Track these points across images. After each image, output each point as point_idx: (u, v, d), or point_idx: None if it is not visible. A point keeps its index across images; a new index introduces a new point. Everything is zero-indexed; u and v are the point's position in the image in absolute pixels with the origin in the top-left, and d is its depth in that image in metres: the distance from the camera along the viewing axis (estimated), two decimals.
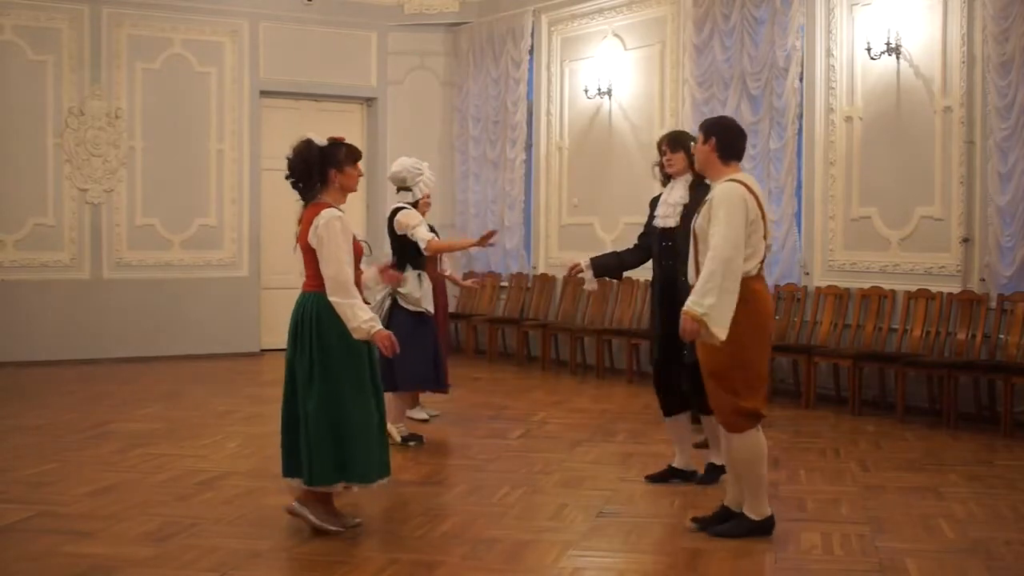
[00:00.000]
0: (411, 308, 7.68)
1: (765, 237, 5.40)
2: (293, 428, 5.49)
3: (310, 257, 5.38)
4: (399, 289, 7.68)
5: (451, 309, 10.15)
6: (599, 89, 12.17)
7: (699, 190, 6.10)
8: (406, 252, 7.73)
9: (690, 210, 6.03)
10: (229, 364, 12.38)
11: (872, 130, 9.62)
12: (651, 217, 6.61)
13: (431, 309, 7.84)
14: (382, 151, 14.05)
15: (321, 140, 5.51)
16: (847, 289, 9.71)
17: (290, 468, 5.54)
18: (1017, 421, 8.23)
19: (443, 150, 14.33)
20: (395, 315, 7.65)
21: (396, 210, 7.81)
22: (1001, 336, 8.53)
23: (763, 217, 5.35)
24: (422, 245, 7.56)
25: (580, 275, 6.68)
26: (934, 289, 9.06)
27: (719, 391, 5.34)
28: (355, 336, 5.32)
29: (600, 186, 12.20)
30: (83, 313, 12.44)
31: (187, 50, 13.04)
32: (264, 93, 13.48)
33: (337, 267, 5.28)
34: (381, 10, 13.98)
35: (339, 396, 5.35)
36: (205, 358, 12.72)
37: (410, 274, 7.73)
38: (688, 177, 6.40)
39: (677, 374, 6.37)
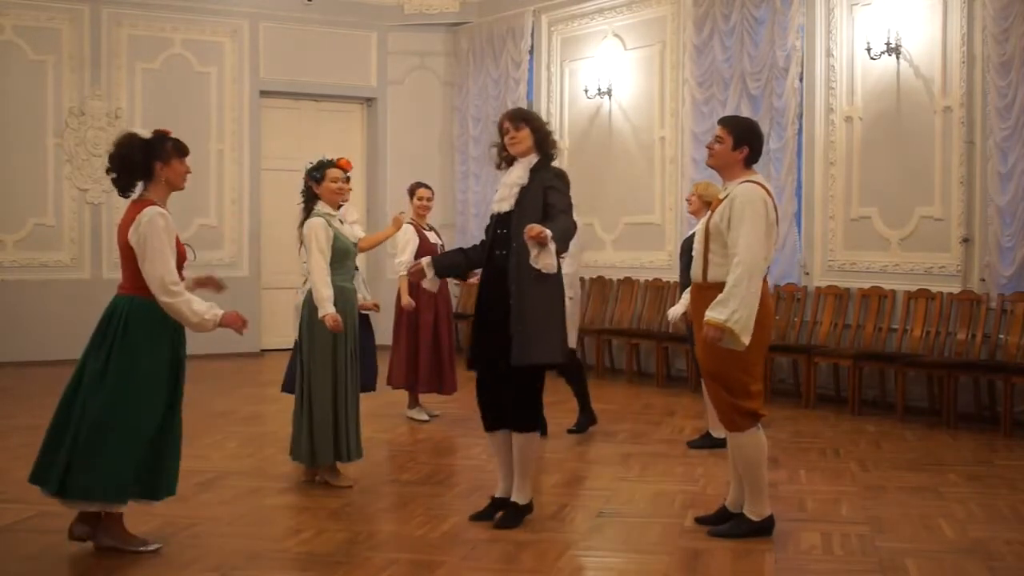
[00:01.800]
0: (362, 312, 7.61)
1: (776, 241, 5.40)
2: (61, 432, 5.03)
3: (128, 257, 5.04)
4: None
5: (452, 310, 10.14)
6: (599, 89, 12.17)
7: (540, 173, 5.53)
8: None
9: (528, 194, 5.48)
10: (229, 364, 12.37)
11: (872, 130, 9.62)
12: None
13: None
14: (382, 151, 14.07)
15: (145, 133, 5.18)
16: (847, 289, 9.71)
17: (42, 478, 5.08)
18: (1017, 421, 8.24)
19: (443, 150, 14.33)
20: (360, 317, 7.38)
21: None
22: (1001, 336, 8.53)
23: (777, 221, 5.34)
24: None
25: (420, 276, 5.90)
26: (934, 289, 9.06)
27: (719, 391, 5.34)
28: (202, 331, 5.00)
29: (600, 186, 12.19)
30: (83, 313, 12.32)
31: (187, 50, 13.04)
32: (264, 93, 13.48)
33: (164, 266, 4.95)
34: (381, 10, 13.98)
35: (127, 404, 4.96)
36: (205, 358, 12.69)
37: (357, 276, 7.66)
38: (532, 158, 5.60)
39: (500, 384, 5.59)
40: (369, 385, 7.87)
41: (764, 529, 5.38)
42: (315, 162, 6.51)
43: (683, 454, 7.43)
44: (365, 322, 7.67)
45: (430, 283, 5.93)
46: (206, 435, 8.12)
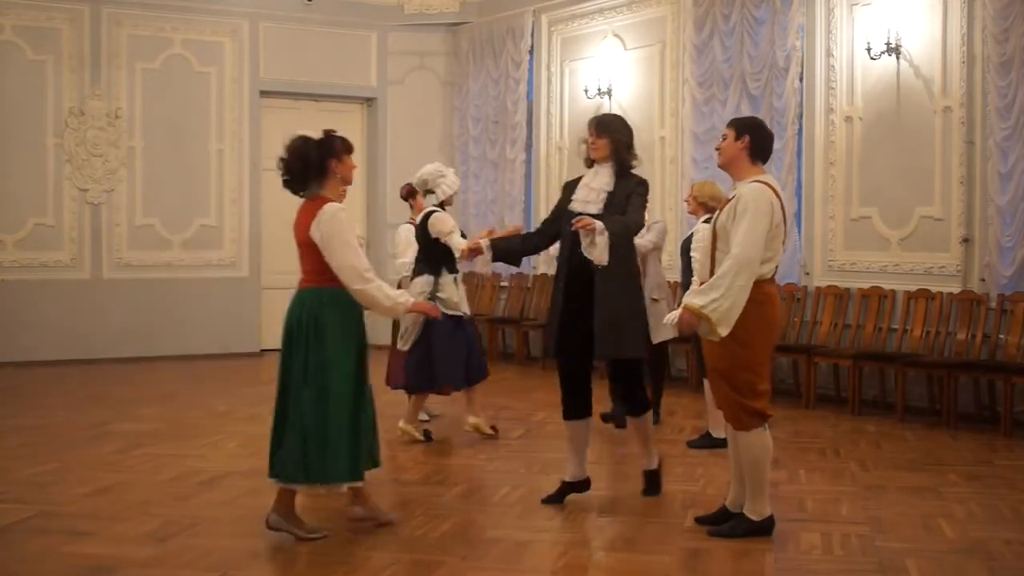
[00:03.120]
0: (449, 312, 7.67)
1: (786, 241, 5.41)
2: (284, 427, 5.32)
3: (310, 252, 5.30)
4: (438, 294, 7.74)
5: None
6: (599, 89, 12.17)
7: (624, 180, 5.87)
8: (438, 255, 7.74)
9: (615, 198, 5.79)
10: (229, 364, 12.38)
11: (872, 130, 9.62)
12: (564, 201, 6.04)
13: (468, 312, 7.98)
14: (382, 151, 14.07)
15: (315, 134, 5.42)
16: (847, 289, 9.71)
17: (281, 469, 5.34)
18: (1017, 421, 8.24)
19: (443, 150, 14.32)
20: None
21: (429, 214, 7.80)
22: (1001, 336, 8.53)
23: (784, 222, 5.35)
24: (456, 253, 7.52)
25: (475, 255, 6.05)
26: (934, 289, 9.06)
27: (725, 389, 5.35)
28: (393, 315, 5.27)
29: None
30: (83, 313, 12.44)
31: (187, 50, 13.04)
32: (264, 93, 13.48)
33: (354, 255, 5.21)
34: (381, 10, 13.98)
35: (332, 395, 5.25)
36: (205, 358, 12.72)
37: (446, 278, 7.80)
38: (614, 164, 5.93)
39: (587, 375, 6.02)
40: (458, 380, 7.92)
41: (764, 529, 5.39)
42: None
43: (683, 454, 7.43)
44: (459, 321, 7.81)
45: (484, 265, 6.20)
46: (206, 435, 8.12)
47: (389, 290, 5.34)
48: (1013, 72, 8.45)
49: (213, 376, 11.47)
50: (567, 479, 6.14)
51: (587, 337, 5.74)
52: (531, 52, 13.10)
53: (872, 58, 9.44)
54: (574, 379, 6.01)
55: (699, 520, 5.63)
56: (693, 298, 5.19)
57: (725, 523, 5.48)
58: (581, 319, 5.76)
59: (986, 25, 8.62)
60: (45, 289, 12.27)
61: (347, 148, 5.42)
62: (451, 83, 14.34)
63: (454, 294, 7.81)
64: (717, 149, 5.57)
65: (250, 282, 13.33)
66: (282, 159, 5.34)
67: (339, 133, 5.48)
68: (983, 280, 8.76)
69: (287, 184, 5.36)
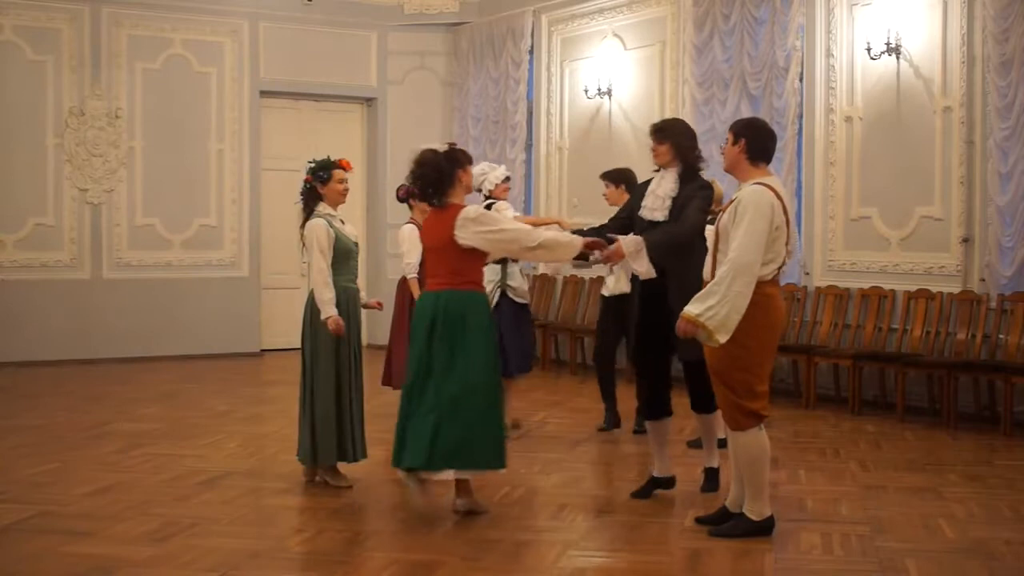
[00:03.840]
0: (518, 300, 8.09)
1: (789, 242, 5.38)
2: (415, 416, 5.62)
3: (448, 256, 5.65)
4: (508, 282, 8.05)
5: None
6: (599, 89, 12.17)
7: (688, 183, 5.99)
8: None
9: (678, 203, 5.93)
10: (229, 364, 12.38)
11: (872, 130, 9.62)
12: (636, 204, 6.19)
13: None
14: (382, 151, 14.06)
15: (440, 147, 5.84)
16: (847, 289, 9.71)
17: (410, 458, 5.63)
18: (1017, 421, 8.24)
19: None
20: (501, 304, 7.99)
21: (487, 206, 7.86)
22: (1001, 336, 8.53)
23: (787, 223, 5.34)
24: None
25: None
26: (934, 289, 9.06)
27: (722, 389, 5.35)
28: (572, 252, 5.70)
29: (600, 186, 12.15)
30: (83, 313, 12.44)
31: (187, 50, 13.04)
32: (264, 93, 13.47)
33: (513, 229, 5.71)
34: (381, 10, 13.98)
35: (484, 379, 5.64)
36: (205, 358, 12.71)
37: (513, 268, 8.10)
38: (679, 168, 6.05)
39: (666, 375, 6.22)
40: (524, 367, 8.16)
41: (764, 529, 5.39)
42: (318, 162, 6.51)
43: (683, 454, 7.42)
44: (519, 311, 8.08)
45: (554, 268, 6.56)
46: (206, 435, 8.12)
47: (558, 234, 5.86)
48: (1013, 72, 8.44)
49: (213, 376, 11.47)
50: (656, 474, 6.27)
51: (666, 340, 5.86)
52: (531, 52, 13.10)
53: (872, 58, 9.44)
54: (657, 380, 6.17)
55: (699, 520, 5.64)
56: (690, 305, 5.18)
57: (725, 523, 5.48)
58: (658, 323, 5.89)
59: (986, 25, 8.62)
60: (45, 289, 12.27)
61: (468, 159, 5.90)
62: (451, 83, 14.34)
63: (522, 283, 8.18)
64: (722, 153, 5.59)
65: (250, 282, 13.32)
66: (415, 172, 5.77)
67: (457, 145, 6.00)
68: (983, 280, 8.76)
69: (423, 195, 5.84)
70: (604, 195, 8.29)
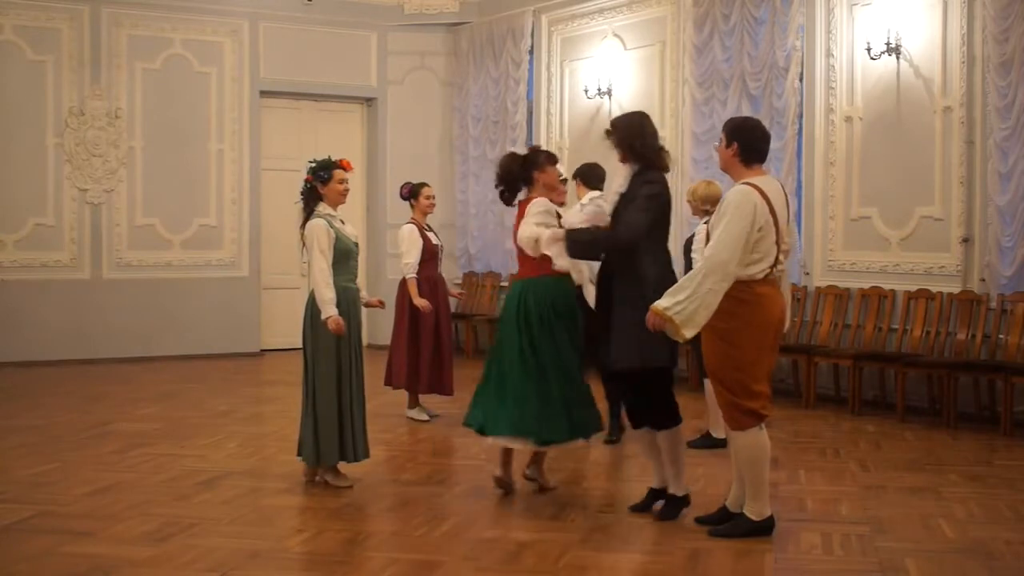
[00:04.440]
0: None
1: (781, 241, 5.35)
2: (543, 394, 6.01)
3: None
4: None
5: (452, 310, 10.15)
6: (599, 89, 12.17)
7: (636, 179, 5.72)
8: None
9: (626, 200, 5.69)
10: (229, 364, 12.38)
11: (872, 130, 9.62)
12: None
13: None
14: (382, 151, 14.06)
15: (522, 150, 6.49)
16: (847, 289, 9.71)
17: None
18: (1017, 421, 8.24)
19: (443, 150, 14.33)
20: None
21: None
22: (1001, 336, 8.53)
23: (776, 222, 5.31)
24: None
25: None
26: (934, 289, 9.06)
27: (720, 388, 5.36)
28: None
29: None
30: (83, 313, 12.44)
31: (187, 50, 13.04)
32: (264, 93, 13.47)
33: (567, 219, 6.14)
34: (381, 10, 13.98)
35: (565, 365, 6.03)
36: (205, 358, 12.72)
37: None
38: (633, 165, 5.78)
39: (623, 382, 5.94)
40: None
41: (764, 529, 5.39)
42: (319, 161, 6.51)
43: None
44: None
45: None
46: (206, 435, 8.13)
47: (544, 231, 6.05)
48: (1013, 72, 8.44)
49: (213, 376, 11.47)
50: (654, 486, 5.98)
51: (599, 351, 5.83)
52: (531, 52, 13.09)
53: (872, 58, 9.44)
54: (619, 391, 6.33)
55: (699, 520, 5.63)
56: (661, 299, 5.20)
57: (725, 523, 5.48)
58: (596, 334, 5.88)
59: (986, 25, 8.62)
60: (45, 289, 12.27)
61: (550, 160, 6.34)
62: (451, 83, 14.33)
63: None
64: (717, 152, 5.60)
65: (250, 282, 13.32)
66: (497, 174, 6.35)
67: (543, 148, 6.58)
68: (983, 280, 8.76)
69: (503, 196, 6.36)
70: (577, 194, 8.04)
